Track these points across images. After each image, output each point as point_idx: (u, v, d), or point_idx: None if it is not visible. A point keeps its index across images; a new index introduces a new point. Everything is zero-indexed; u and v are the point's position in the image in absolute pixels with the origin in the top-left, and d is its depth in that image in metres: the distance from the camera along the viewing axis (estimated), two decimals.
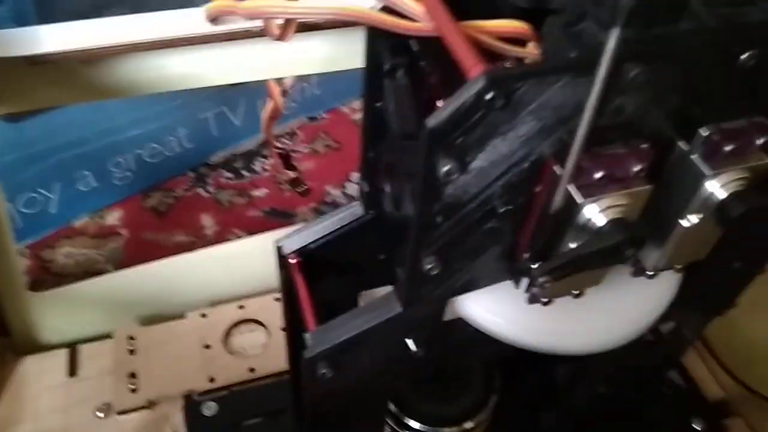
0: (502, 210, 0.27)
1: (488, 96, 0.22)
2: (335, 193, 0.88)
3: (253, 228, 0.82)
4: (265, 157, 0.92)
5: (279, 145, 0.84)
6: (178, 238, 0.81)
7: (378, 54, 0.29)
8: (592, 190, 0.25)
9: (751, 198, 0.27)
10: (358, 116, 0.99)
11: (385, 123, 0.31)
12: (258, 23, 0.40)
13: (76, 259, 0.78)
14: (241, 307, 0.62)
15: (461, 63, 0.24)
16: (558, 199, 0.25)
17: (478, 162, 0.25)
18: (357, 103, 1.01)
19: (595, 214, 0.26)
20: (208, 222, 0.83)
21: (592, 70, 0.22)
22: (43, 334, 0.60)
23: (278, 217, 0.85)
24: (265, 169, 0.91)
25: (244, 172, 0.90)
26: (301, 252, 0.37)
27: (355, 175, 0.91)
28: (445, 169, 0.24)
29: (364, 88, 0.31)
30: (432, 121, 0.23)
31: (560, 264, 0.26)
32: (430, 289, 0.30)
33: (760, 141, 0.27)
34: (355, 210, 0.37)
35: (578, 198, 0.25)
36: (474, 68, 0.23)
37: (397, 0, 0.26)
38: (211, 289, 0.63)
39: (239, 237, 0.82)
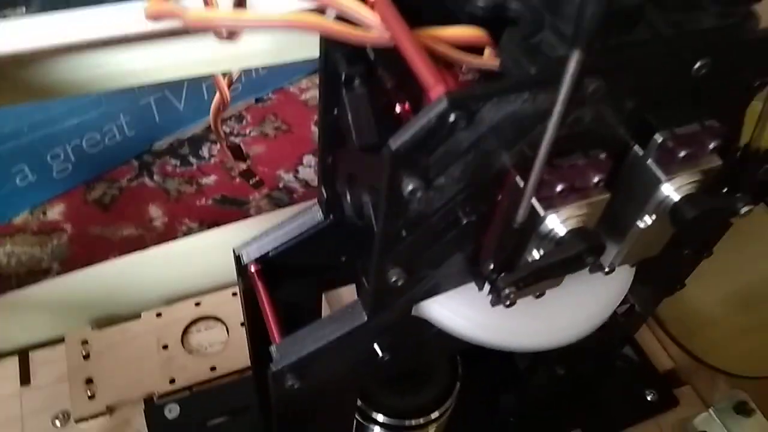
0: (465, 221, 0.27)
1: (451, 118, 0.22)
2: (288, 177, 0.87)
3: (204, 218, 0.81)
4: (213, 142, 0.89)
5: (228, 137, 0.82)
6: (126, 232, 0.78)
7: (333, 63, 0.28)
8: (553, 202, 0.26)
9: (703, 201, 0.27)
10: (308, 95, 0.97)
11: (342, 130, 0.31)
12: None
13: (19, 258, 0.75)
14: (197, 304, 0.61)
15: (422, 81, 0.23)
16: (521, 213, 0.25)
17: (442, 178, 0.25)
18: (305, 82, 0.99)
19: (556, 224, 0.26)
20: (156, 213, 0.81)
21: (554, 86, 0.22)
22: None
23: (230, 205, 0.83)
24: (213, 155, 0.88)
25: (192, 159, 0.88)
26: (260, 260, 0.36)
27: (308, 158, 0.89)
28: (410, 188, 0.24)
29: (320, 95, 0.30)
30: (395, 143, 0.22)
31: (524, 275, 0.26)
32: (395, 298, 0.30)
33: (712, 145, 0.27)
34: (314, 215, 0.36)
35: (540, 210, 0.25)
36: (435, 88, 0.22)
37: (350, 9, 0.26)
38: (166, 288, 0.61)
39: (190, 228, 0.80)
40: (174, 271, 0.62)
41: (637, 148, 0.28)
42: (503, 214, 0.27)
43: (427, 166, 0.24)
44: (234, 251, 0.37)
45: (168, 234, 0.78)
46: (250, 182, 0.62)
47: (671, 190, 0.28)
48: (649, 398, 0.60)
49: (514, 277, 0.26)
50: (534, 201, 0.26)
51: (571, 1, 0.23)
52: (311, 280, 0.39)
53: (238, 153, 0.59)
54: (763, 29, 0.26)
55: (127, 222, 0.79)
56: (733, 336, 0.67)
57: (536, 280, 0.27)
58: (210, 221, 0.80)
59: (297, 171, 0.88)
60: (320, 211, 0.36)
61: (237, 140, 0.91)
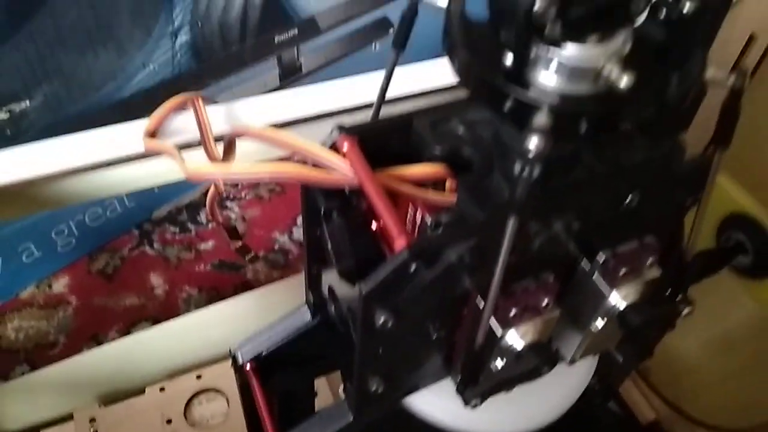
0: (435, 336, 0.31)
1: (412, 267, 0.25)
2: (283, 239, 0.91)
3: (203, 283, 0.84)
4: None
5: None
6: (129, 301, 0.82)
7: (313, 198, 0.32)
8: (510, 321, 0.29)
9: (646, 309, 0.31)
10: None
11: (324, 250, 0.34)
12: (194, 136, 0.42)
13: (27, 333, 0.78)
14: (198, 376, 0.64)
15: (387, 230, 0.27)
16: (479, 336, 0.28)
17: (410, 308, 0.28)
18: None
19: (515, 339, 0.29)
20: (157, 281, 0.84)
21: (501, 229, 0.25)
22: (2, 422, 0.60)
23: (228, 270, 0.86)
24: (210, 221, 0.92)
25: (190, 225, 0.91)
26: (255, 359, 0.39)
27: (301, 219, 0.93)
28: (381, 320, 0.27)
29: (303, 220, 0.34)
30: (365, 287, 0.26)
31: (487, 389, 0.29)
32: (376, 401, 0.33)
33: (650, 259, 0.31)
34: (302, 315, 0.39)
35: (498, 330, 0.29)
36: (398, 240, 0.26)
37: (325, 159, 0.29)
38: (169, 362, 0.64)
39: (189, 294, 0.83)
40: (176, 346, 0.65)
41: (584, 263, 0.31)
42: (467, 332, 0.30)
43: (395, 301, 0.27)
44: (230, 351, 0.40)
45: (169, 301, 0.82)
46: (246, 258, 0.65)
47: (617, 299, 0.31)
48: None
49: (479, 390, 0.29)
50: (492, 321, 0.29)
51: (512, 151, 0.27)
52: (303, 371, 0.42)
53: (233, 233, 0.63)
54: (688, 160, 0.30)
55: (129, 291, 0.83)
56: (714, 382, 0.70)
57: (498, 391, 0.30)
58: (209, 287, 0.83)
59: (291, 232, 0.91)
60: (308, 312, 0.39)
61: (233, 205, 0.95)
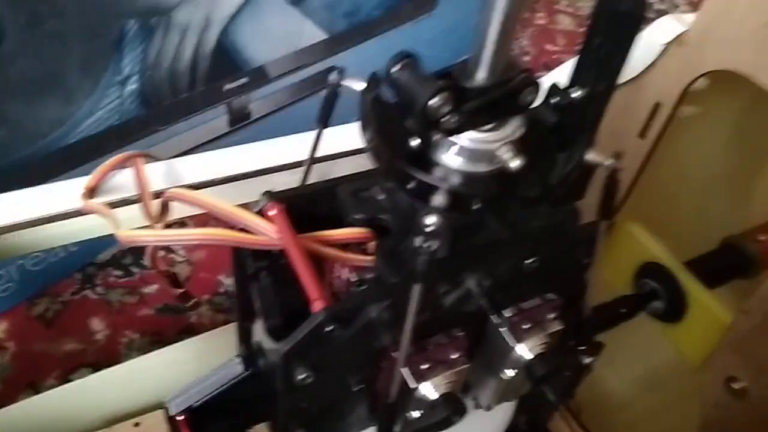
0: (355, 389, 0.33)
1: (328, 328, 0.28)
2: (228, 282, 0.91)
3: (146, 328, 0.84)
4: (165, 249, 0.93)
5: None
6: (69, 347, 0.81)
7: (242, 258, 0.34)
8: (423, 374, 0.31)
9: (550, 360, 0.34)
10: None
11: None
12: (134, 193, 0.44)
13: None
14: (136, 424, 0.64)
15: (306, 292, 0.29)
16: (395, 387, 0.30)
17: (330, 363, 0.30)
18: None
19: (429, 391, 0.32)
20: (98, 326, 0.84)
21: (408, 293, 0.28)
22: None
23: (172, 314, 0.86)
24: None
25: (133, 269, 0.91)
26: (186, 411, 0.40)
27: None
28: (300, 377, 0.29)
29: (234, 281, 0.36)
30: (284, 347, 0.28)
31: None
32: None
33: (552, 315, 0.34)
34: (235, 367, 0.41)
35: (412, 383, 0.31)
36: (316, 303, 0.28)
37: (253, 224, 0.31)
38: (107, 410, 0.64)
39: (131, 339, 0.83)
40: (114, 394, 0.65)
41: (493, 317, 0.34)
42: (382, 385, 0.32)
43: (314, 359, 0.29)
44: (163, 403, 0.41)
45: (110, 347, 0.81)
46: (188, 305, 0.66)
47: (524, 351, 0.34)
48: None
49: None
50: (406, 374, 0.31)
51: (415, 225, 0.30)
52: (236, 421, 0.43)
53: (173, 281, 0.64)
54: (583, 224, 0.34)
55: (69, 336, 0.82)
56: (644, 418, 0.74)
57: None
58: (151, 331, 0.83)
59: None
60: (240, 364, 0.41)
61: (179, 247, 0.95)
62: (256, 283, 0.33)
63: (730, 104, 0.56)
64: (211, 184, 0.47)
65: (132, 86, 0.78)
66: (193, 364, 0.66)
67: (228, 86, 0.90)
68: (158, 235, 0.32)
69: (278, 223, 0.31)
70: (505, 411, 0.42)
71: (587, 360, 0.36)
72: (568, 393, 0.51)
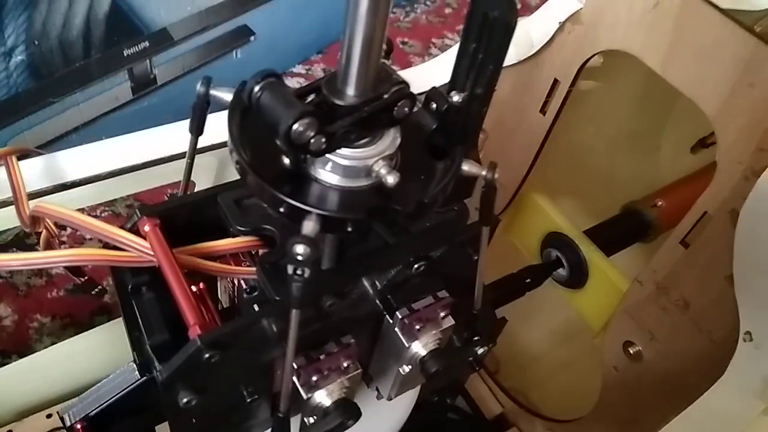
0: (249, 400, 0.32)
1: (205, 355, 0.27)
2: None
3: (58, 311, 0.81)
4: (63, 227, 0.89)
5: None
6: None
7: (120, 274, 0.32)
8: (315, 383, 0.31)
9: (444, 356, 0.34)
10: None
11: None
12: (9, 196, 0.41)
13: None
14: (48, 416, 0.62)
15: (184, 316, 0.28)
16: (282, 405, 0.30)
17: (216, 383, 0.30)
18: None
19: (323, 398, 0.32)
20: (4, 311, 0.80)
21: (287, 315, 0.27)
22: None
23: (84, 294, 0.83)
24: (63, 242, 0.88)
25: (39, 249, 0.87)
26: (84, 419, 0.39)
27: None
28: (184, 401, 0.28)
29: (119, 299, 0.34)
30: (162, 373, 0.27)
31: None
32: None
33: (443, 312, 0.34)
34: (130, 375, 0.40)
35: (304, 394, 0.31)
36: (192, 328, 0.27)
37: (126, 242, 0.30)
38: (18, 402, 0.62)
39: (42, 323, 0.79)
40: (25, 385, 0.63)
41: (387, 318, 0.34)
42: (273, 398, 0.32)
43: (196, 381, 0.29)
44: (58, 413, 0.39)
45: (19, 333, 0.78)
46: (92, 293, 0.63)
47: (418, 348, 0.34)
48: None
49: None
50: (298, 385, 0.31)
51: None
52: (136, 424, 0.43)
53: (75, 270, 0.61)
54: (471, 222, 0.33)
55: None
56: (552, 375, 0.77)
57: None
58: (63, 314, 0.80)
59: None
60: (136, 371, 0.40)
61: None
62: (137, 299, 0.32)
63: (625, 79, 0.57)
64: (98, 179, 0.44)
65: (18, 57, 0.72)
66: (107, 351, 0.64)
67: (127, 51, 0.85)
68: (24, 260, 0.30)
69: (151, 240, 0.30)
70: (409, 395, 0.43)
71: (482, 350, 0.37)
72: (467, 373, 0.53)
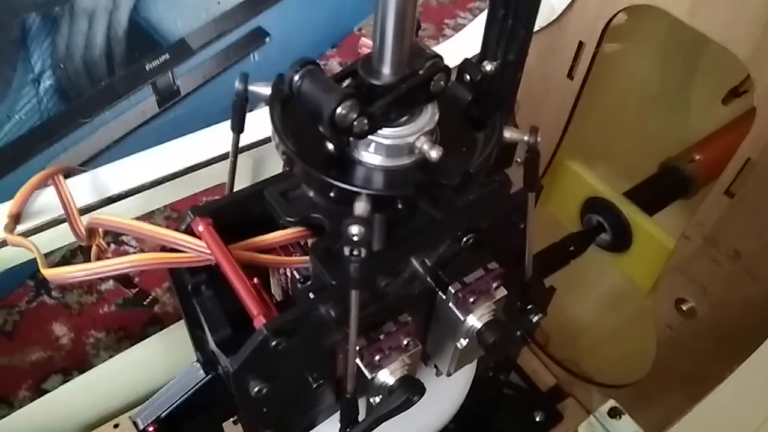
0: (315, 386, 0.33)
1: (272, 343, 0.28)
2: None
3: (110, 325, 0.83)
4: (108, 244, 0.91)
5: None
6: (35, 356, 0.80)
7: (179, 275, 0.33)
8: (378, 363, 0.32)
9: (499, 327, 0.34)
10: None
11: None
12: (61, 213, 0.42)
13: None
14: (116, 425, 0.64)
15: (247, 309, 0.29)
16: (350, 383, 0.31)
17: (284, 371, 0.30)
18: None
19: (386, 377, 0.32)
20: (61, 330, 0.82)
21: (347, 295, 0.28)
22: None
23: (134, 307, 0.85)
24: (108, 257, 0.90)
25: None
26: (155, 422, 0.40)
27: None
28: (255, 390, 0.29)
29: (177, 294, 0.35)
30: (233, 365, 0.28)
31: (368, 426, 0.32)
32: None
33: (496, 283, 0.34)
34: (195, 374, 0.41)
35: (368, 374, 0.32)
36: (257, 318, 0.28)
37: (182, 243, 0.31)
38: (84, 415, 0.64)
39: (97, 339, 0.82)
40: (90, 399, 0.65)
41: (440, 294, 0.34)
42: (339, 381, 0.33)
43: (265, 370, 0.29)
44: (130, 418, 0.41)
45: (76, 350, 0.80)
46: (144, 304, 0.65)
47: (474, 321, 0.35)
48: (537, 419, 0.68)
49: (360, 428, 0.32)
50: (361, 366, 0.32)
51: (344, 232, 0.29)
52: (206, 421, 0.44)
53: (125, 282, 0.62)
54: (514, 192, 0.34)
55: (33, 346, 0.81)
56: (604, 342, 0.77)
57: (378, 425, 0.33)
58: (116, 328, 0.82)
59: None
60: (200, 369, 0.41)
61: (131, 239, 0.93)
62: (197, 298, 0.33)
63: (651, 36, 0.56)
64: (141, 189, 0.46)
65: (47, 83, 0.74)
66: (164, 359, 0.66)
67: (149, 66, 0.86)
68: (87, 270, 0.31)
69: (206, 238, 0.31)
70: (467, 370, 0.43)
71: (536, 318, 0.37)
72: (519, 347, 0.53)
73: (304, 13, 1.05)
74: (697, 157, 0.59)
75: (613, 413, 0.69)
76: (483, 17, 0.29)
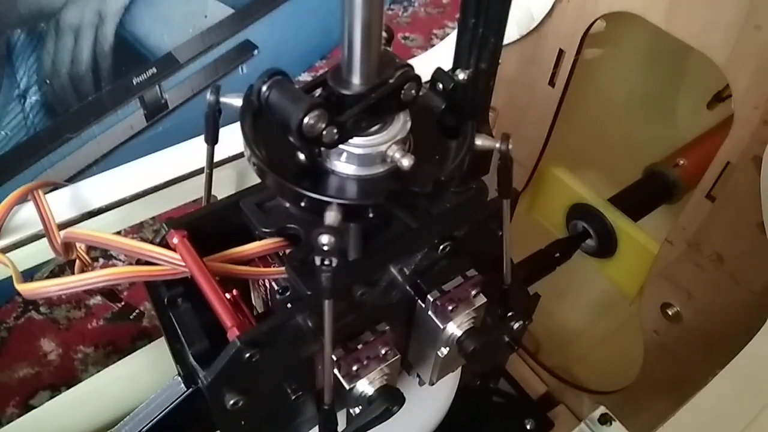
0: (294, 397, 0.33)
1: (246, 354, 0.27)
2: None
3: (99, 340, 0.82)
4: (96, 259, 0.91)
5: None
6: (23, 372, 0.79)
7: (155, 288, 0.33)
8: (356, 373, 0.32)
9: (479, 335, 0.34)
10: None
11: None
12: (40, 229, 0.42)
13: None
14: None
15: (221, 320, 0.28)
16: (326, 397, 0.30)
17: (260, 382, 0.30)
18: None
19: (365, 387, 0.32)
20: (48, 346, 0.82)
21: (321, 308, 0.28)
22: None
23: (123, 321, 0.85)
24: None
25: None
26: None
27: None
28: (231, 402, 0.29)
29: (155, 310, 0.35)
30: (207, 377, 0.28)
31: None
32: None
33: (474, 291, 0.34)
34: (176, 388, 0.40)
35: (346, 385, 0.31)
36: (230, 330, 0.28)
37: (155, 256, 0.31)
38: (72, 431, 0.63)
39: (86, 354, 0.81)
40: (77, 414, 0.64)
41: (419, 302, 0.34)
42: (317, 392, 0.32)
43: (241, 382, 0.29)
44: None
45: (64, 365, 0.80)
46: (130, 318, 0.65)
47: (453, 329, 0.34)
48: (528, 427, 0.68)
49: None
50: (339, 376, 0.31)
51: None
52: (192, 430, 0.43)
53: (111, 296, 0.62)
54: (491, 199, 0.34)
55: (22, 361, 0.80)
56: (593, 349, 0.77)
57: None
58: (105, 342, 0.82)
59: None
60: (181, 384, 0.40)
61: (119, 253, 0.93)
62: (174, 311, 0.33)
63: (632, 42, 0.57)
64: (123, 203, 0.45)
65: (33, 98, 0.74)
66: (151, 372, 0.66)
67: (136, 80, 0.86)
68: (60, 284, 0.30)
69: (181, 251, 0.31)
70: (451, 379, 0.43)
71: (517, 325, 0.37)
72: (507, 354, 0.52)
73: (293, 25, 1.06)
74: (682, 162, 0.59)
75: (604, 419, 0.68)
76: None
